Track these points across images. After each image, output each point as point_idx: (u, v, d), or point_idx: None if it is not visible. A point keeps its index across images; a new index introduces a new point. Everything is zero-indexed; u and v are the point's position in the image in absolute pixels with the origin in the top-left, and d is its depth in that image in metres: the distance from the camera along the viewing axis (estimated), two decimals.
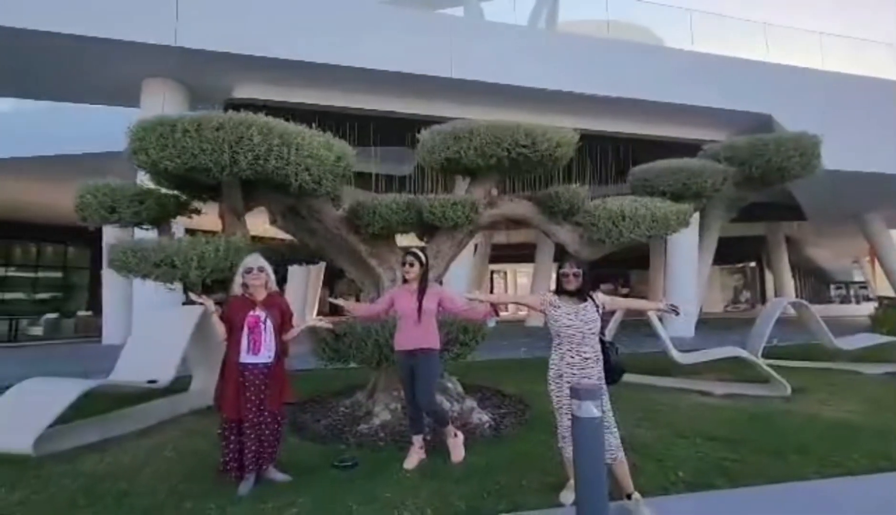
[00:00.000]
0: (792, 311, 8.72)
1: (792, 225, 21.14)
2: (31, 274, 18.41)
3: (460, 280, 12.82)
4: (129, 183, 3.67)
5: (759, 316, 8.48)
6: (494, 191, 4.93)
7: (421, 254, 3.75)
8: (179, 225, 6.06)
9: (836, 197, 13.10)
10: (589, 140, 11.20)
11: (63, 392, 4.01)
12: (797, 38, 12.34)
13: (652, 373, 6.84)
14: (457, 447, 3.64)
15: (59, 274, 18.88)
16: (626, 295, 27.37)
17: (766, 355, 8.05)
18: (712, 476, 3.38)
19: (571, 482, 2.89)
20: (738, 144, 4.68)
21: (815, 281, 36.20)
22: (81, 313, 15.79)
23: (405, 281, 3.75)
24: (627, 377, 6.65)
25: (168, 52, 7.73)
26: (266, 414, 3.18)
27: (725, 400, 5.58)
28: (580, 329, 2.90)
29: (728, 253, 24.63)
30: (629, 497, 2.87)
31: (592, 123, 10.86)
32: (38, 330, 14.13)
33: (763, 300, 25.30)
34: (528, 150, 4.29)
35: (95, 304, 14.47)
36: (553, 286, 3.14)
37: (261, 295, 3.27)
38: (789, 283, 22.93)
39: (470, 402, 4.66)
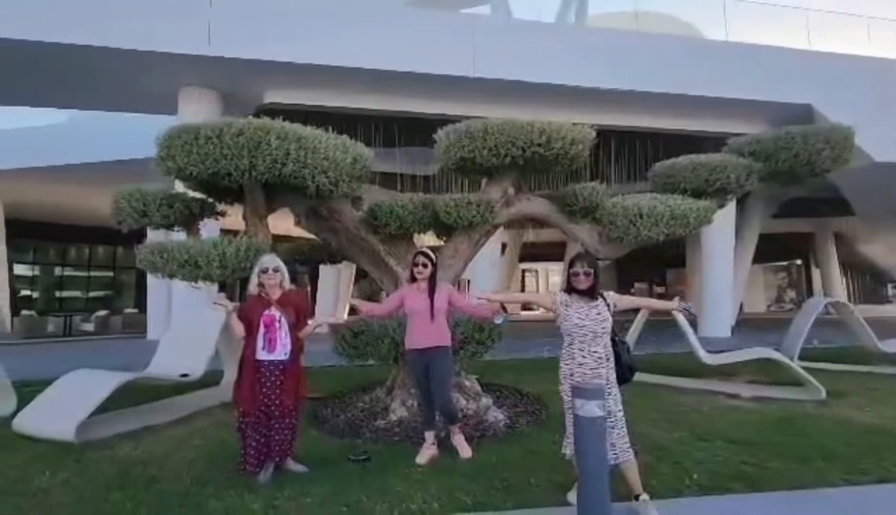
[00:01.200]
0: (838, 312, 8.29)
1: (841, 220, 20.08)
2: (84, 274, 19.60)
3: (488, 280, 12.83)
4: (160, 187, 3.89)
5: (796, 316, 8.14)
6: (511, 191, 4.94)
7: (432, 254, 3.82)
8: (216, 226, 6.30)
9: (886, 190, 12.35)
10: (619, 136, 11.07)
11: (102, 384, 4.31)
12: (843, 23, 11.69)
13: (679, 374, 6.69)
14: (462, 444, 3.70)
15: (109, 274, 20.02)
16: (661, 295, 26.71)
17: (804, 357, 7.73)
18: (729, 480, 3.30)
19: None
20: (764, 138, 4.51)
21: (870, 280, 34.21)
22: (129, 310, 16.68)
23: (413, 279, 3.80)
24: (652, 377, 6.61)
25: (201, 62, 8.10)
26: (283, 408, 3.32)
27: (754, 403, 5.40)
28: (592, 328, 2.86)
29: (772, 250, 23.62)
30: (637, 497, 2.85)
31: (623, 119, 10.67)
32: (89, 326, 15.02)
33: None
34: (542, 149, 4.28)
35: (142, 302, 15.28)
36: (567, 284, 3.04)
37: (276, 295, 3.41)
38: (837, 282, 21.79)
39: (486, 400, 4.70)
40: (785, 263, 27.03)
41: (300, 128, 3.74)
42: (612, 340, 2.99)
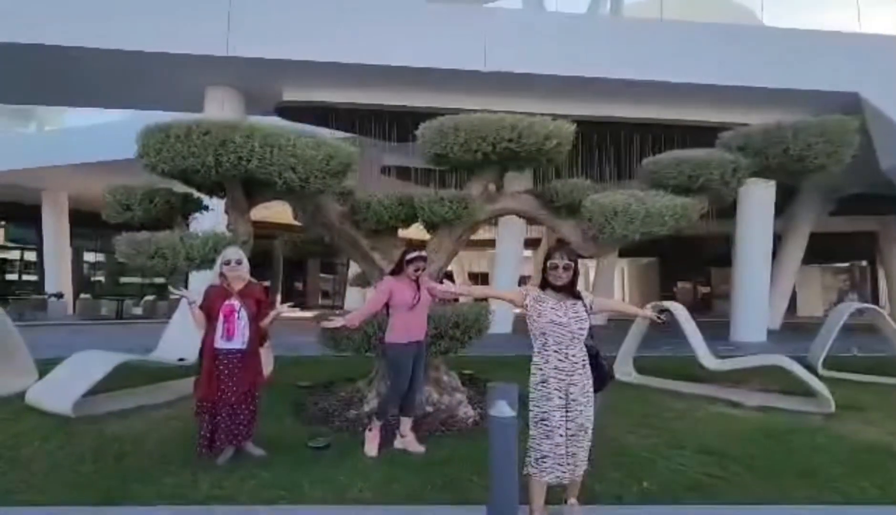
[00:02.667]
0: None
1: None
2: None
3: (508, 277, 12.71)
4: (144, 183, 4.15)
5: (825, 322, 7.58)
6: (492, 187, 4.89)
7: (425, 252, 3.89)
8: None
9: None
10: (644, 129, 10.61)
11: (101, 364, 4.67)
12: None
13: (686, 378, 6.35)
14: (412, 442, 3.76)
15: None
16: (706, 295, 25.36)
17: (836, 367, 7.23)
18: (681, 490, 3.16)
19: None
20: (752, 132, 4.19)
21: None
22: (175, 295, 17.74)
23: (396, 273, 3.82)
24: (655, 381, 6.35)
25: (222, 62, 8.50)
26: (239, 395, 3.48)
27: (756, 412, 5.09)
28: (569, 328, 2.60)
29: (833, 250, 21.97)
30: (566, 501, 2.78)
31: (647, 111, 10.22)
32: (138, 310, 16.14)
33: (876, 303, 22.18)
34: (513, 144, 4.21)
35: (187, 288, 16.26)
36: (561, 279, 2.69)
37: (238, 286, 3.56)
38: None
39: (459, 396, 4.70)
40: (847, 264, 25.01)
41: (269, 127, 3.86)
42: (586, 344, 2.71)
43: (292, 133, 4.01)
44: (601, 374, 2.75)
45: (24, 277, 20.41)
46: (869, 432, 4.38)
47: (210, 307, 3.49)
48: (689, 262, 25.03)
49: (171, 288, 3.54)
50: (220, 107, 9.20)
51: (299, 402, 5.05)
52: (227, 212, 4.47)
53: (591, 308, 2.75)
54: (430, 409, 4.61)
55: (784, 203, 15.56)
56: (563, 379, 2.60)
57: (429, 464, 3.49)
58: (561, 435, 2.55)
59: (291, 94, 9.42)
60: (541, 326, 2.65)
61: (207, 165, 3.61)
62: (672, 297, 26.56)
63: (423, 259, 3.79)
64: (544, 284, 2.74)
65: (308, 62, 8.67)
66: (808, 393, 5.36)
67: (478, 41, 8.76)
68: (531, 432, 2.64)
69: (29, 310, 14.80)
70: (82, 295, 16.32)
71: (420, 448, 3.73)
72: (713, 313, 21.80)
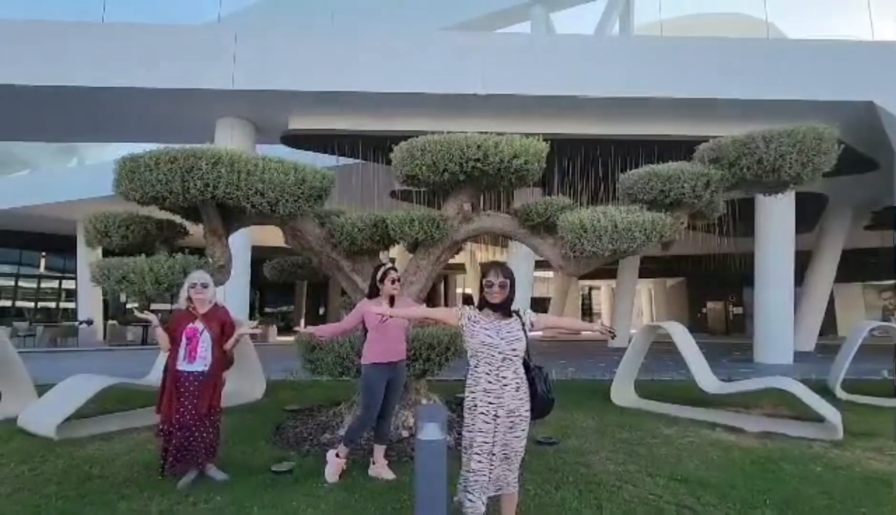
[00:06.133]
0: None
1: None
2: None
3: (519, 299, 12.52)
4: (122, 210, 4.32)
5: (843, 343, 7.12)
6: (467, 206, 4.86)
7: (389, 264, 3.90)
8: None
9: None
10: (651, 146, 10.44)
11: (89, 388, 4.80)
12: None
13: (690, 403, 6.02)
14: (385, 469, 3.70)
15: None
16: (738, 316, 24.19)
17: (860, 390, 6.78)
18: None
19: None
20: (724, 143, 4.03)
21: None
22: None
23: (374, 295, 3.81)
24: (653, 405, 6.06)
25: (228, 95, 8.90)
26: (198, 418, 3.50)
27: (755, 438, 4.78)
28: (501, 349, 2.51)
29: (877, 266, 20.79)
30: None
31: (661, 128, 10.07)
32: None
33: None
34: (480, 164, 4.21)
35: None
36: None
37: (203, 309, 3.63)
38: None
39: None
40: (891, 281, 23.55)
41: (236, 154, 3.98)
42: (527, 367, 2.61)
43: (263, 159, 4.14)
44: (538, 399, 2.60)
45: (63, 305, 21.45)
46: (873, 461, 4.04)
47: (174, 329, 3.56)
48: (720, 281, 24.07)
49: (136, 312, 3.61)
50: (230, 137, 9.58)
51: (281, 425, 5.04)
52: (204, 236, 4.60)
53: (531, 326, 2.66)
54: (405, 434, 4.54)
55: (813, 218, 14.89)
56: (492, 402, 2.48)
57: (387, 490, 3.41)
58: (480, 462, 2.43)
59: (297, 123, 9.74)
60: (473, 347, 2.57)
61: (175, 192, 3.74)
62: (702, 318, 25.58)
63: (394, 270, 3.78)
64: (483, 303, 2.66)
65: (309, 92, 8.97)
66: (818, 418, 5.01)
67: (475, 66, 8.90)
68: (463, 456, 2.54)
69: (60, 336, 15.48)
70: (109, 322, 16.95)
71: (391, 475, 3.65)
72: (746, 334, 20.82)
